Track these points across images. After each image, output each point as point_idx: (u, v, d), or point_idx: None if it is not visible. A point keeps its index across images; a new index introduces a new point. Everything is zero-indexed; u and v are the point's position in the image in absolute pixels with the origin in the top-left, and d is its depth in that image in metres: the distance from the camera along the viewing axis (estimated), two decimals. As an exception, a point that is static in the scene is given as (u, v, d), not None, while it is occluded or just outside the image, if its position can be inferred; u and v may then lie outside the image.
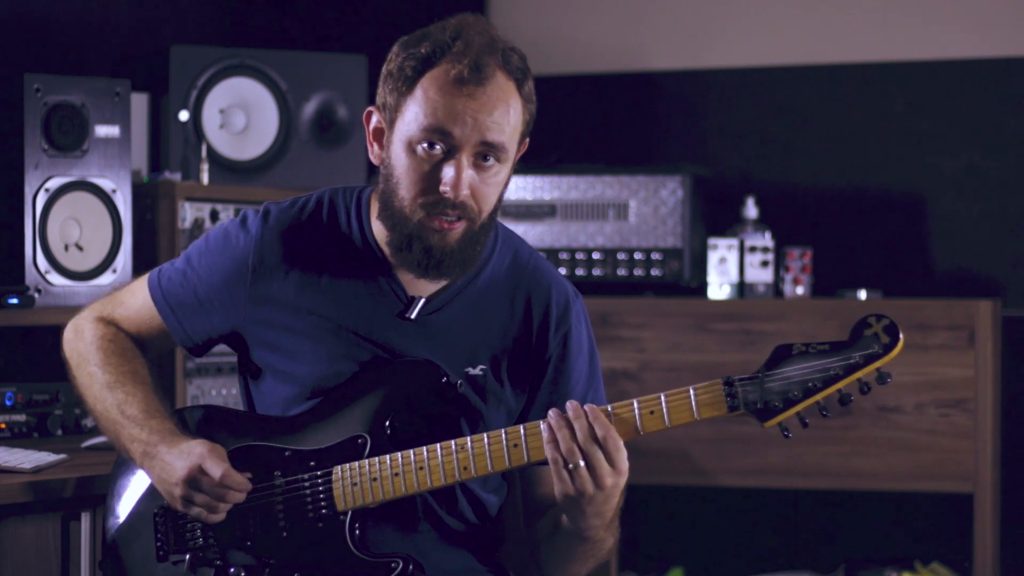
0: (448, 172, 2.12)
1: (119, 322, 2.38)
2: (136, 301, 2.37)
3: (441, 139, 2.12)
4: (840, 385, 2.03)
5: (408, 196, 2.15)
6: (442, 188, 2.12)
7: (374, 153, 2.22)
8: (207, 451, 2.17)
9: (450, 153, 2.12)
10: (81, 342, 2.36)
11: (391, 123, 2.18)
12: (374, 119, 2.21)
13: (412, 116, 2.13)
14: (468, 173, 2.13)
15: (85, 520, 2.60)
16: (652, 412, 2.07)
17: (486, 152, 2.14)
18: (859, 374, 2.03)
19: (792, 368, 2.04)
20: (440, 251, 2.16)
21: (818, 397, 2.04)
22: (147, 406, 2.26)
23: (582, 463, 2.05)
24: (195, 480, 2.16)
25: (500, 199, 2.21)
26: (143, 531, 2.28)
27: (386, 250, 2.24)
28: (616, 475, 2.07)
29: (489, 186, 2.16)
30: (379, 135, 2.21)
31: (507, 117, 2.13)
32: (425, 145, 2.13)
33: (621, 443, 2.07)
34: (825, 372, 2.03)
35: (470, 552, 2.31)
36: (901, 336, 2.02)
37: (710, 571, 4.16)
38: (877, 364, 2.03)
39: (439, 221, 2.14)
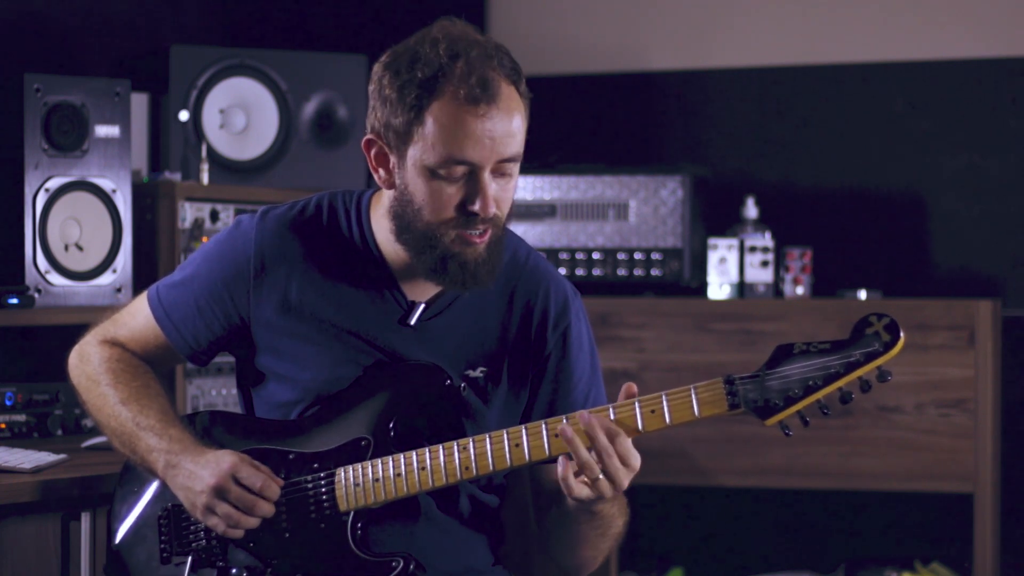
0: (476, 192, 2.12)
1: (124, 343, 2.37)
2: (137, 321, 2.36)
3: (462, 164, 2.12)
4: (841, 383, 2.04)
5: (436, 219, 2.15)
6: (472, 208, 2.12)
7: (381, 178, 2.20)
8: (239, 460, 2.17)
9: (473, 173, 2.12)
10: (88, 366, 2.35)
11: (399, 149, 2.15)
12: (374, 148, 2.19)
13: (428, 144, 2.11)
14: (492, 188, 2.13)
15: (85, 520, 2.60)
16: (653, 411, 2.07)
17: (504, 164, 2.14)
18: (860, 372, 2.03)
19: (793, 367, 2.04)
20: (475, 263, 2.16)
21: (819, 395, 2.04)
22: (163, 417, 2.26)
23: (601, 476, 2.06)
24: (222, 490, 2.15)
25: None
26: (148, 535, 2.28)
27: (387, 255, 2.24)
28: (631, 472, 2.08)
29: (508, 191, 2.17)
30: (383, 160, 2.19)
31: (518, 125, 2.13)
32: (446, 170, 2.13)
33: (629, 442, 2.07)
34: (826, 370, 2.03)
35: (470, 552, 2.31)
36: (902, 334, 2.03)
37: (710, 571, 4.16)
38: (878, 362, 2.03)
39: (470, 237, 2.15)
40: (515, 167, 2.16)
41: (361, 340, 2.24)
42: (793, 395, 2.04)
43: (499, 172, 2.14)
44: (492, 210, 2.13)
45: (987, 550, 3.70)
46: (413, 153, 2.13)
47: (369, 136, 2.19)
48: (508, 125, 2.11)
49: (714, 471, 3.81)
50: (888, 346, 2.03)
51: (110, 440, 2.31)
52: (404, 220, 2.18)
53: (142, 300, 2.36)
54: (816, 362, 2.04)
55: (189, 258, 2.35)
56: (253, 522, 2.17)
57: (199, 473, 2.17)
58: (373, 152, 2.19)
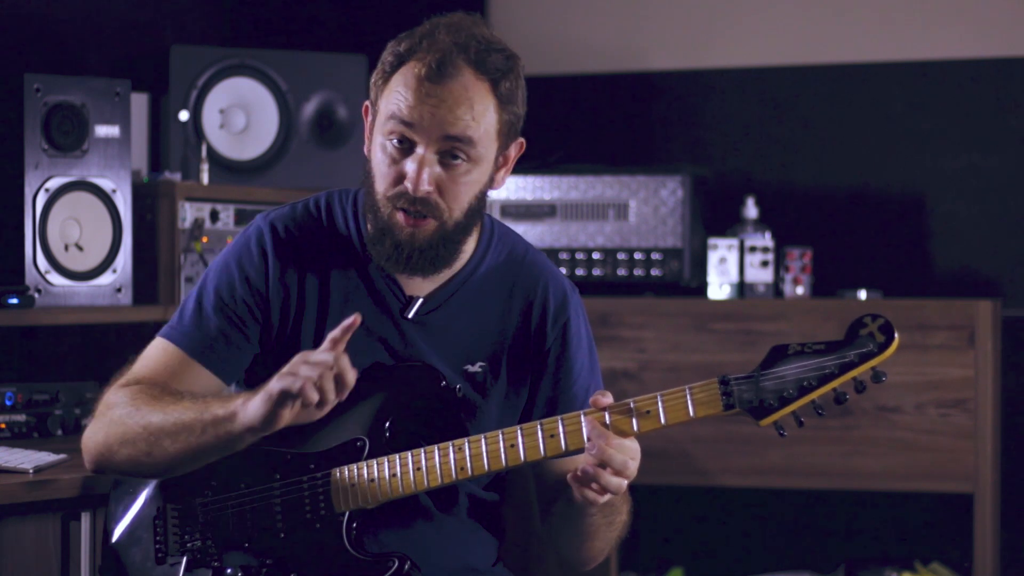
0: (409, 166, 2.15)
1: (143, 380, 2.24)
2: (156, 363, 2.25)
3: (404, 133, 2.14)
4: (835, 384, 2.05)
5: (380, 190, 2.18)
6: (405, 183, 2.14)
7: (366, 147, 2.25)
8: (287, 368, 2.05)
9: (413, 148, 2.15)
10: (114, 412, 2.20)
11: (373, 117, 2.21)
12: (369, 116, 2.24)
13: (383, 110, 2.17)
14: (431, 169, 2.14)
15: (85, 520, 2.60)
16: (648, 412, 2.08)
17: (453, 150, 2.15)
18: (854, 372, 2.04)
19: (787, 367, 2.05)
20: (409, 247, 2.17)
21: (813, 395, 2.05)
22: (197, 398, 2.16)
23: (614, 480, 2.08)
24: (289, 370, 2.03)
25: (479, 201, 2.21)
26: (143, 536, 2.28)
27: None
28: (636, 462, 2.09)
29: (458, 185, 2.17)
30: (371, 127, 2.24)
31: (471, 114, 2.14)
32: (394, 141, 2.16)
33: (626, 442, 2.08)
34: (820, 371, 2.04)
35: (470, 550, 2.31)
36: (896, 335, 2.04)
37: (710, 571, 4.16)
38: (872, 363, 2.04)
39: (403, 215, 2.16)
40: (468, 162, 2.16)
41: (361, 336, 2.23)
42: (788, 396, 2.05)
43: (446, 158, 2.15)
44: (424, 187, 2.14)
45: (987, 550, 3.70)
46: (376, 121, 2.19)
47: (366, 102, 2.24)
48: (457, 108, 2.13)
49: (714, 471, 3.81)
50: (883, 347, 2.04)
51: (170, 461, 2.16)
52: (366, 189, 2.22)
53: (158, 346, 2.26)
54: (811, 363, 2.05)
55: (204, 285, 2.27)
56: (328, 389, 2.03)
57: (252, 399, 2.06)
58: (368, 120, 2.23)
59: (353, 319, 2.04)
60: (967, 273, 4.09)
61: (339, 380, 2.02)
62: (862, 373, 2.04)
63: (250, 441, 2.11)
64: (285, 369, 2.02)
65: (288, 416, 2.04)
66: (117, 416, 2.19)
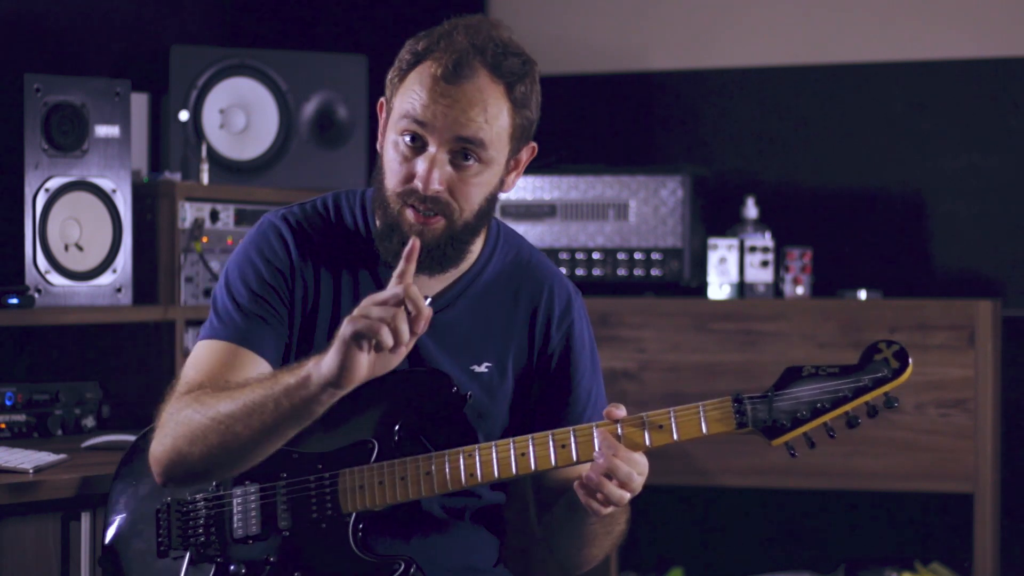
0: (420, 165, 2.15)
1: (198, 383, 2.20)
2: (206, 363, 2.22)
3: (417, 132, 2.15)
4: (848, 407, 2.08)
5: (390, 186, 2.18)
6: (415, 181, 2.15)
7: (378, 143, 2.25)
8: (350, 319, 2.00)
9: (425, 147, 2.15)
10: (178, 416, 2.14)
11: (388, 114, 2.22)
12: (383, 113, 2.25)
13: (397, 108, 2.18)
14: (442, 169, 2.15)
15: (85, 520, 2.61)
16: (661, 427, 2.09)
17: (465, 150, 2.15)
18: (867, 397, 2.08)
19: (801, 389, 2.07)
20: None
21: (826, 418, 2.08)
22: (263, 378, 2.12)
23: (618, 491, 2.09)
24: (360, 313, 1.99)
25: (489, 203, 2.22)
26: (144, 529, 2.28)
27: None
28: (643, 477, 2.11)
29: (469, 185, 2.17)
30: (385, 124, 2.24)
31: (484, 116, 2.14)
32: (406, 138, 2.16)
33: (634, 456, 2.09)
34: (834, 394, 2.07)
35: (473, 551, 2.31)
36: (911, 361, 2.07)
37: (710, 571, 4.16)
38: (885, 388, 2.08)
39: (412, 212, 2.16)
40: (480, 164, 2.16)
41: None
42: (801, 417, 2.07)
43: (458, 158, 2.15)
44: (434, 186, 2.14)
45: (987, 550, 3.70)
46: (390, 118, 2.19)
47: (382, 99, 2.24)
48: (470, 110, 2.13)
49: (714, 471, 3.81)
50: (897, 373, 2.08)
51: (251, 451, 2.11)
52: (376, 185, 2.22)
53: (204, 347, 2.23)
54: (825, 385, 2.07)
55: (227, 285, 2.26)
56: (402, 326, 1.98)
57: (327, 355, 2.01)
58: (383, 117, 2.24)
59: (412, 243, 2.02)
60: (967, 273, 4.09)
61: (412, 316, 1.98)
62: (875, 398, 2.07)
63: (329, 403, 2.05)
64: (356, 312, 1.99)
65: (365, 363, 1.99)
66: (182, 418, 2.14)
